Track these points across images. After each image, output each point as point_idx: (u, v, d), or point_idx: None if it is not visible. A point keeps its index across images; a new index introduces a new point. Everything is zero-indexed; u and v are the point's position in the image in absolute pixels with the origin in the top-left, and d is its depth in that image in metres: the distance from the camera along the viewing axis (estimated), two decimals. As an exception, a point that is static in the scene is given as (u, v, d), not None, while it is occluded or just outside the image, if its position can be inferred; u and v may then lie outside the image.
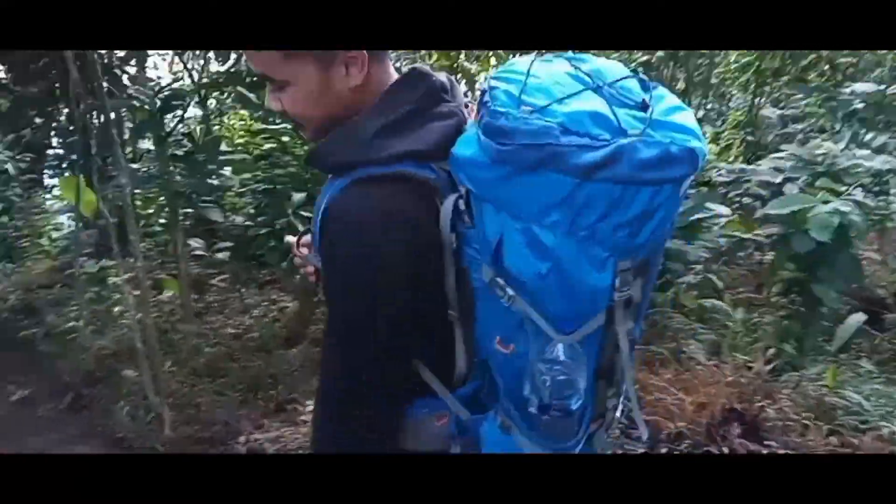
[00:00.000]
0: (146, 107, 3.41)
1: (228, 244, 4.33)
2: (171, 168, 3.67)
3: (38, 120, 5.15)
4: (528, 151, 0.77)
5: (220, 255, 4.66)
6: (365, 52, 0.90)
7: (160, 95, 3.37)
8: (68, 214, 5.24)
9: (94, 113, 4.04)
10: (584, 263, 0.82)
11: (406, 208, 0.87)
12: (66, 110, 4.83)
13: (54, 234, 6.07)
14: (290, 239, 1.17)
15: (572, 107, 0.80)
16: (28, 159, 6.39)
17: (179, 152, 3.46)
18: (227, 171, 3.59)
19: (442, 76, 0.98)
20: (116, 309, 4.09)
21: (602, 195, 0.77)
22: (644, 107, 0.82)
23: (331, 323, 0.98)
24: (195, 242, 5.23)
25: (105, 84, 4.46)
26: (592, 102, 0.81)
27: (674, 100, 0.86)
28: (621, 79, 0.85)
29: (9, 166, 7.38)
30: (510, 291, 0.85)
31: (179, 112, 3.78)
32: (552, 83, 0.83)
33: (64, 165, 6.16)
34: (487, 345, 0.93)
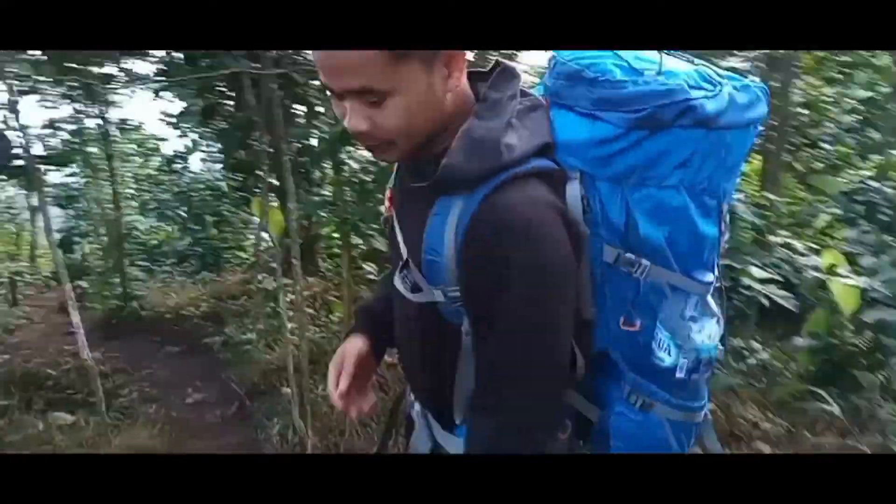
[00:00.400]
0: (325, 136, 3.53)
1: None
2: (346, 196, 3.78)
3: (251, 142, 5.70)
4: (665, 110, 0.82)
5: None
6: (465, 51, 0.85)
7: (337, 126, 3.48)
8: (263, 232, 5.68)
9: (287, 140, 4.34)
10: (703, 215, 0.88)
11: (558, 201, 0.86)
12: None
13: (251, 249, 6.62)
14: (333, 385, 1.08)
15: (681, 68, 0.88)
16: (241, 178, 7.10)
17: (355, 179, 3.54)
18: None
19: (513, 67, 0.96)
20: (288, 326, 4.30)
21: (718, 142, 0.86)
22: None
23: (516, 333, 0.85)
24: (368, 266, 5.39)
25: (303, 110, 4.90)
26: (686, 65, 0.90)
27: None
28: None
29: (223, 184, 8.30)
30: (644, 262, 0.87)
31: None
32: (643, 56, 0.89)
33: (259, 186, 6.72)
34: (609, 331, 0.91)
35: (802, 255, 4.37)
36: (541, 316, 0.84)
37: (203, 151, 9.59)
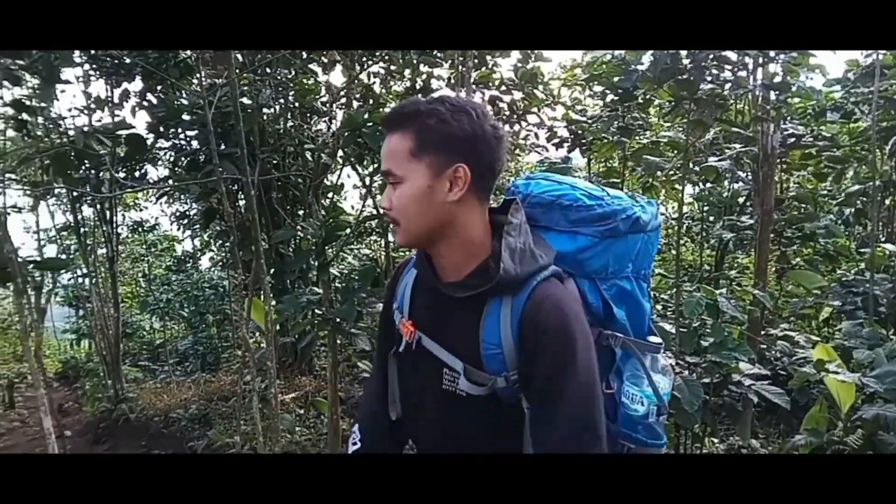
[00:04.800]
0: (310, 237, 3.58)
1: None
2: (332, 296, 3.79)
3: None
4: (623, 222, 1.19)
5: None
6: (469, 175, 1.07)
7: (324, 226, 3.54)
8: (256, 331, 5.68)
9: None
10: (642, 294, 1.25)
11: (576, 291, 1.16)
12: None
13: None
14: None
15: (613, 191, 1.26)
16: (244, 276, 7.19)
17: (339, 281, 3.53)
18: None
19: None
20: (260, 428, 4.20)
21: (649, 242, 1.25)
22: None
23: (578, 388, 1.05)
24: (363, 364, 5.31)
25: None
26: (623, 199, 1.26)
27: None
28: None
29: (226, 283, 8.38)
30: (618, 335, 1.19)
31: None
32: (592, 188, 1.26)
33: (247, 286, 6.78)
34: None
35: (801, 347, 4.27)
36: (594, 388, 1.06)
37: (212, 251, 9.84)
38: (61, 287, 9.39)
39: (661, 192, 4.14)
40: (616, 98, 3.84)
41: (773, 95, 3.59)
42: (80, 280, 7.87)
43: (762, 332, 4.29)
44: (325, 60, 4.89)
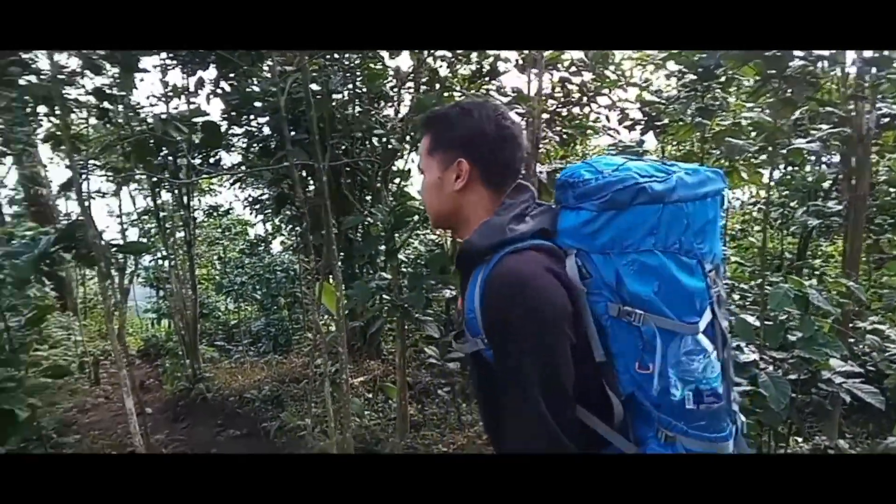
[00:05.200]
0: (379, 223, 3.59)
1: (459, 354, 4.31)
2: (401, 281, 3.79)
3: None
4: (622, 193, 1.13)
5: (451, 365, 4.66)
6: (468, 168, 1.25)
7: (393, 213, 3.54)
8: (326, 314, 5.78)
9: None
10: (681, 271, 1.14)
11: (554, 266, 1.13)
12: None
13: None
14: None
15: (635, 163, 1.19)
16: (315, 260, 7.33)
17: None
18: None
19: (532, 188, 1.31)
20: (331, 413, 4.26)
21: (677, 213, 1.14)
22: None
23: (517, 378, 1.06)
24: (430, 350, 5.33)
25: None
26: (643, 161, 1.21)
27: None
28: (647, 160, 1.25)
29: (297, 267, 8.57)
30: (639, 311, 1.11)
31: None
32: (606, 161, 1.21)
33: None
34: (629, 376, 1.12)
35: (893, 342, 3.99)
36: (530, 374, 1.04)
37: (283, 235, 10.09)
38: (143, 269, 9.85)
39: (741, 176, 3.92)
40: (695, 77, 3.65)
41: (872, 71, 3.33)
42: (160, 262, 8.22)
43: (849, 326, 4.03)
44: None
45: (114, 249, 4.02)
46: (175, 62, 5.56)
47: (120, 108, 4.80)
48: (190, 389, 5.34)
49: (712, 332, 1.16)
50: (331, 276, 4.21)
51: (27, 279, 3.53)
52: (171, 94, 5.78)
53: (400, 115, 5.02)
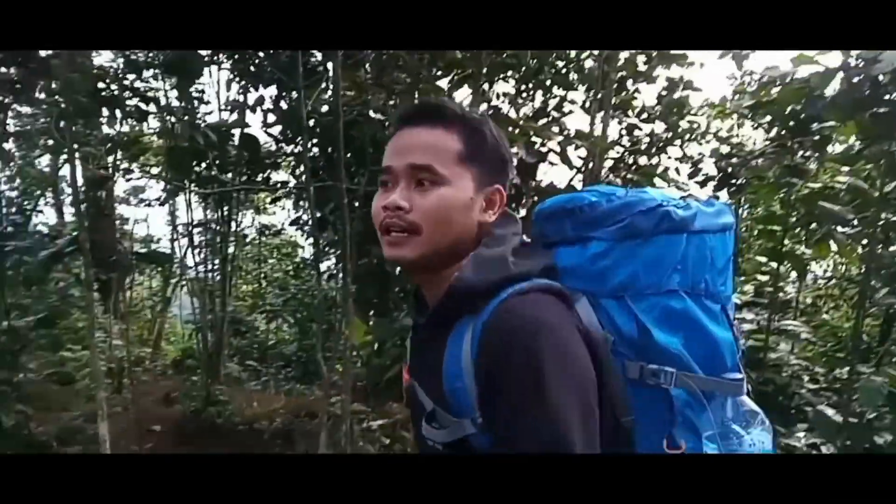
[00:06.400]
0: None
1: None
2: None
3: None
4: (643, 217, 0.92)
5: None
6: (504, 200, 0.99)
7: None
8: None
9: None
10: (710, 319, 0.93)
11: (565, 310, 0.89)
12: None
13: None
14: None
15: (646, 190, 0.99)
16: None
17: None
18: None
19: None
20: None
21: (701, 246, 0.94)
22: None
23: (545, 432, 0.79)
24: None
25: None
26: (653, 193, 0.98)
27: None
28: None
29: (335, 294, 8.33)
30: (669, 369, 0.88)
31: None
32: (608, 189, 1.00)
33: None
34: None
35: None
36: (571, 435, 0.78)
37: (329, 259, 9.97)
38: (187, 280, 9.87)
39: (829, 247, 3.46)
40: (785, 132, 3.24)
41: None
42: (201, 275, 8.16)
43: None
44: (456, 76, 4.65)
45: (134, 258, 3.83)
46: (235, 76, 5.51)
47: (172, 118, 4.73)
48: (201, 411, 5.09)
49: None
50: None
51: (38, 279, 3.37)
52: (228, 107, 5.71)
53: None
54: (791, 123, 3.06)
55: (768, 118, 3.42)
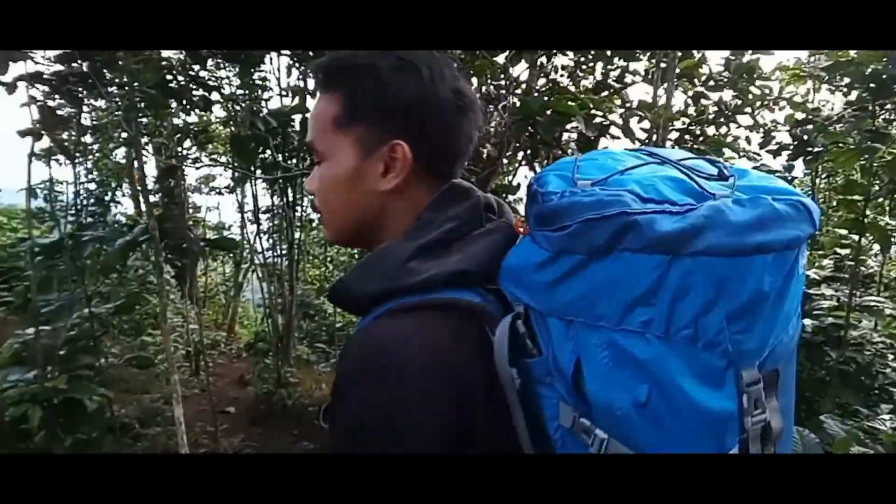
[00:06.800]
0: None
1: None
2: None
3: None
4: (596, 228, 0.63)
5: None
6: (409, 156, 0.80)
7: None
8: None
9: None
10: (695, 378, 0.62)
11: (450, 343, 0.70)
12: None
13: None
14: None
15: (642, 172, 0.70)
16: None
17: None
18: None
19: (489, 195, 0.86)
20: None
21: (701, 274, 0.61)
22: (723, 176, 0.70)
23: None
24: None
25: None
26: (663, 170, 0.71)
27: (759, 173, 0.72)
28: (688, 158, 0.74)
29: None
30: (600, 434, 0.65)
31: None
32: (608, 159, 0.73)
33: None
34: None
35: None
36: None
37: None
38: (256, 265, 10.19)
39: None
40: (865, 94, 3.01)
41: None
42: (270, 260, 8.40)
43: None
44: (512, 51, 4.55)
45: (202, 244, 3.96)
46: (296, 63, 5.58)
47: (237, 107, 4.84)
48: (273, 393, 5.25)
49: None
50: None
51: (114, 267, 3.53)
52: (288, 93, 5.81)
53: (503, 120, 4.67)
54: (871, 85, 2.85)
55: (847, 80, 3.19)
